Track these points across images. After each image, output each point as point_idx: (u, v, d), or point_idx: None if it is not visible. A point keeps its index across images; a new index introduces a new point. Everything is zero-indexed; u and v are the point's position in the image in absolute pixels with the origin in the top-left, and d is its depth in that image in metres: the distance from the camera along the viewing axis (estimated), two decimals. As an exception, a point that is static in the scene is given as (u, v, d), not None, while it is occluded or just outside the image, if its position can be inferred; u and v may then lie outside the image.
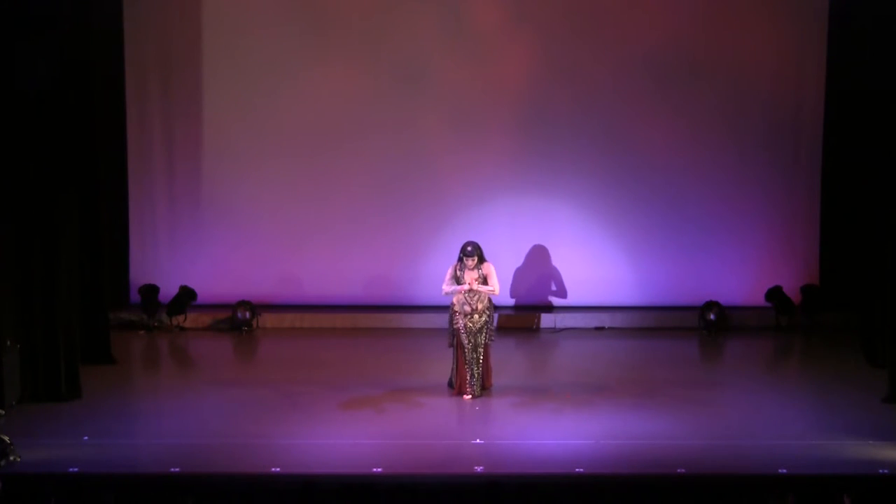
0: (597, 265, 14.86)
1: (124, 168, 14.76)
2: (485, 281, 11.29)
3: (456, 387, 11.39)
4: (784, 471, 9.05)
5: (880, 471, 9.08)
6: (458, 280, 11.30)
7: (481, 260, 11.32)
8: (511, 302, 14.91)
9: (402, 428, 10.33)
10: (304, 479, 8.62)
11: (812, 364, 13.45)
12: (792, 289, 14.66)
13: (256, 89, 14.70)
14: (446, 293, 11.39)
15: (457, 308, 11.33)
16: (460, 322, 11.29)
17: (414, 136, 14.78)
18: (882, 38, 12.32)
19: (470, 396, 11.30)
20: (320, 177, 14.86)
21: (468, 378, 11.30)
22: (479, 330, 11.30)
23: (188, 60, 14.72)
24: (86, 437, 9.95)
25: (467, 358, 11.28)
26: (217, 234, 14.89)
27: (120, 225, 14.62)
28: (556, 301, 14.93)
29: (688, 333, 14.39)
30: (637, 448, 9.70)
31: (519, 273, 14.88)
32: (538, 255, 14.85)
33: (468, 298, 11.28)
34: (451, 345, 11.46)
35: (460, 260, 11.32)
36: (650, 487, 8.70)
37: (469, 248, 11.30)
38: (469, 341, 11.25)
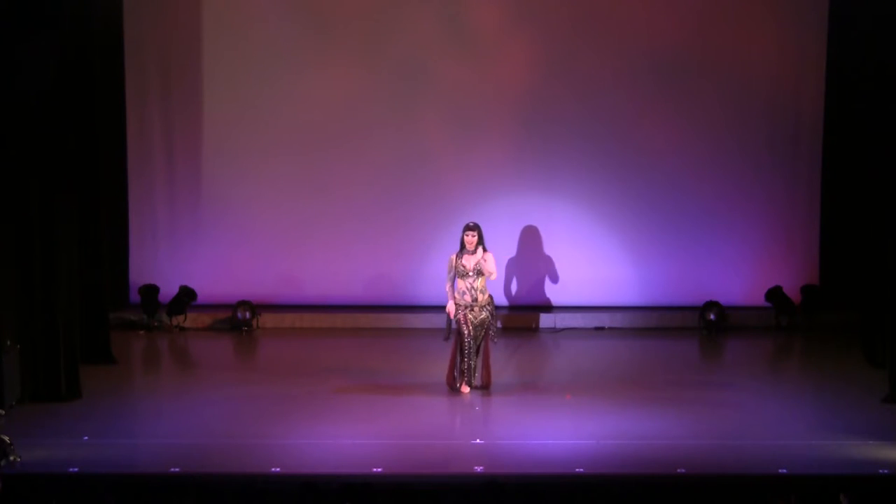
0: (597, 265, 14.85)
1: (124, 168, 14.76)
2: (481, 272, 11.30)
3: (448, 380, 11.39)
4: (784, 471, 9.06)
5: (880, 471, 9.09)
6: (458, 271, 11.29)
7: (481, 242, 11.31)
8: (511, 302, 14.91)
9: (402, 428, 10.33)
10: (304, 479, 8.62)
11: (812, 364, 13.46)
12: (792, 289, 14.66)
13: (256, 89, 14.70)
14: (447, 289, 11.40)
15: (457, 300, 11.34)
16: (460, 314, 11.29)
17: (415, 136, 14.78)
18: (882, 37, 12.32)
19: (468, 389, 11.32)
20: (320, 176, 14.85)
21: (465, 370, 11.30)
22: (480, 324, 11.30)
23: (188, 60, 14.72)
24: (86, 437, 9.95)
25: (465, 350, 11.29)
26: (217, 234, 14.89)
27: (120, 225, 14.61)
28: (556, 301, 14.93)
29: (688, 333, 14.39)
30: (637, 448, 9.71)
31: (519, 273, 14.88)
32: (539, 255, 14.84)
33: (469, 287, 11.28)
34: (446, 338, 11.47)
35: (462, 247, 11.32)
36: (650, 487, 8.69)
37: (471, 224, 11.31)
38: (469, 333, 11.26)
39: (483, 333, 11.36)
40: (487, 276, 11.33)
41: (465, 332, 11.29)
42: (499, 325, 11.63)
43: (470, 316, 11.30)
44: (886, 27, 12.15)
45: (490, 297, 11.41)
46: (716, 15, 14.64)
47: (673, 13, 14.65)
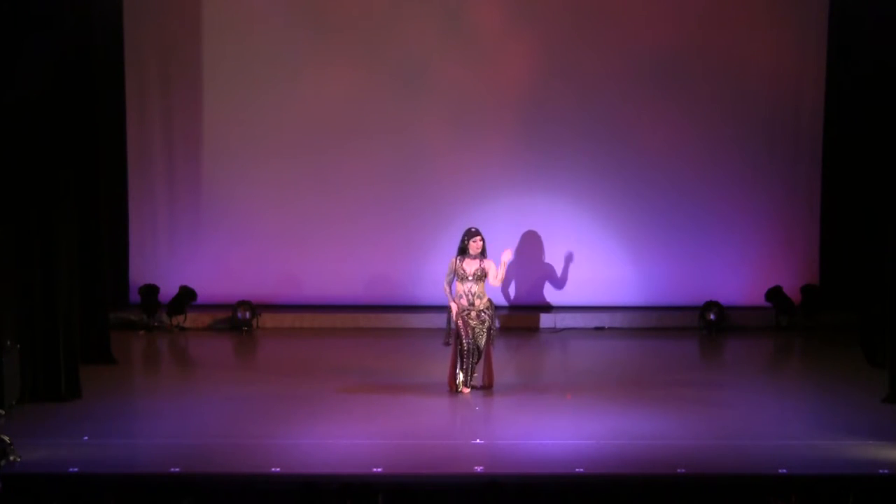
0: (597, 265, 14.86)
1: (124, 168, 14.77)
2: (484, 275, 11.29)
3: (449, 383, 11.37)
4: (784, 471, 9.05)
5: (880, 471, 9.08)
6: (458, 275, 11.28)
7: (484, 250, 11.31)
8: (511, 302, 14.91)
9: (402, 428, 10.32)
10: (304, 479, 8.62)
11: (812, 364, 13.46)
12: (792, 289, 14.66)
13: (257, 89, 14.71)
14: (445, 291, 11.40)
15: (455, 303, 11.32)
16: (458, 318, 11.27)
17: (415, 136, 14.79)
18: (882, 37, 12.33)
19: (469, 390, 11.31)
20: (321, 176, 14.86)
21: (465, 372, 11.29)
22: (478, 328, 11.28)
23: (188, 60, 14.72)
24: (86, 437, 9.94)
25: (464, 354, 11.27)
26: (217, 234, 14.90)
27: (120, 225, 14.62)
28: (556, 301, 14.92)
29: (688, 333, 14.39)
30: (637, 448, 9.70)
31: (519, 273, 14.88)
32: (539, 255, 14.85)
33: (467, 291, 11.27)
34: (446, 343, 11.46)
35: (461, 252, 11.31)
36: (650, 487, 8.69)
37: (473, 230, 11.30)
38: (467, 336, 11.24)
39: (483, 337, 11.34)
40: (492, 280, 11.32)
41: (462, 335, 11.28)
42: (497, 324, 11.58)
43: (467, 320, 11.29)
44: (886, 27, 12.16)
45: (489, 300, 11.39)
46: (716, 15, 14.64)
47: (673, 14, 14.65)
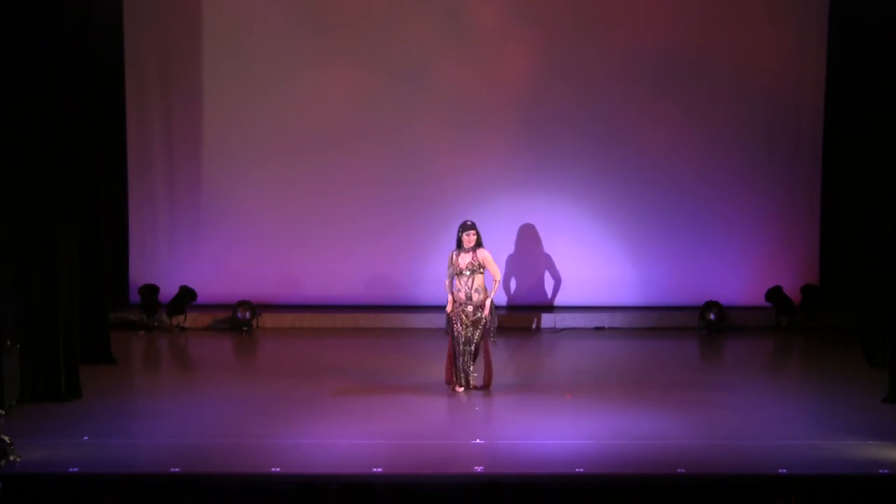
0: (597, 265, 14.86)
1: (124, 168, 14.77)
2: (479, 267, 11.28)
3: (447, 379, 11.38)
4: (784, 471, 9.05)
5: (880, 471, 9.08)
6: (455, 269, 11.28)
7: (479, 243, 11.31)
8: (511, 302, 14.91)
9: (402, 428, 10.33)
10: (304, 479, 8.62)
11: (812, 364, 13.46)
12: (792, 289, 14.66)
13: (256, 89, 14.71)
14: (445, 287, 11.40)
15: (454, 297, 11.32)
16: (454, 311, 11.27)
17: (415, 136, 14.79)
18: (882, 37, 12.33)
19: (462, 389, 11.31)
20: (321, 176, 14.86)
21: (459, 370, 11.29)
22: (473, 324, 11.26)
23: (188, 60, 14.73)
24: (86, 437, 9.95)
25: (458, 349, 11.27)
26: (217, 234, 14.90)
27: (120, 225, 14.62)
28: (555, 301, 14.93)
29: (688, 333, 14.39)
30: (637, 448, 9.70)
31: (519, 273, 14.88)
32: (539, 255, 14.85)
33: (464, 285, 11.27)
34: (445, 332, 11.46)
35: (459, 245, 11.31)
36: (650, 487, 8.70)
37: (469, 223, 11.29)
38: (460, 331, 11.24)
39: (480, 333, 11.33)
40: (494, 286, 11.31)
41: (455, 330, 11.28)
42: (495, 322, 11.53)
43: (463, 315, 11.29)
44: (886, 27, 12.16)
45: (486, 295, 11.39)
46: (716, 15, 14.64)
47: (673, 14, 14.65)
